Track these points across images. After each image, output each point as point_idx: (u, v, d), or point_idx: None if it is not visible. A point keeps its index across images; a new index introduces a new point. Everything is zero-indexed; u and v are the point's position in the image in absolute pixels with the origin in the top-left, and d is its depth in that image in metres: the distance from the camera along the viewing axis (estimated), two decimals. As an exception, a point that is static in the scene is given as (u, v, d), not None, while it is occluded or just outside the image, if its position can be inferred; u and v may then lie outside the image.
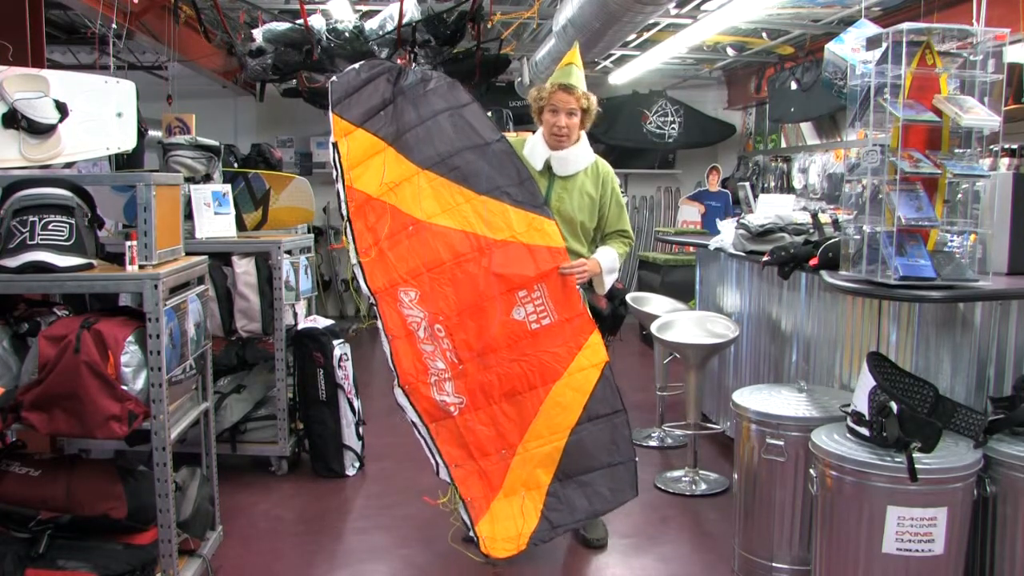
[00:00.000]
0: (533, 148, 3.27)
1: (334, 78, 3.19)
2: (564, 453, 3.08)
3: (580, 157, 3.28)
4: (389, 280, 3.12)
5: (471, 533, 3.10)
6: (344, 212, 3.14)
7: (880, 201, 2.67)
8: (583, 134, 3.31)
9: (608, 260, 3.27)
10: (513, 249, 3.08)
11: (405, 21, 5.39)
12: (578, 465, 3.10)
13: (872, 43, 2.79)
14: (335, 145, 3.13)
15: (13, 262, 2.62)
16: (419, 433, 3.13)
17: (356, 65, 3.22)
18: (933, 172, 2.60)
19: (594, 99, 3.27)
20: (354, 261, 3.13)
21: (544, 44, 6.45)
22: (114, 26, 4.51)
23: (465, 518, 3.11)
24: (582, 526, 3.35)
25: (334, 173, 3.15)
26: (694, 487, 3.99)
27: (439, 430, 3.12)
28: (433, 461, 3.13)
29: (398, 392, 3.11)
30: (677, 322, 4.17)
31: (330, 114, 3.13)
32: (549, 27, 6.11)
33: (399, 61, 5.87)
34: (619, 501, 3.16)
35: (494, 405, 3.11)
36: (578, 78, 3.21)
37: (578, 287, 3.12)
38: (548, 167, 3.25)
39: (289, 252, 4.19)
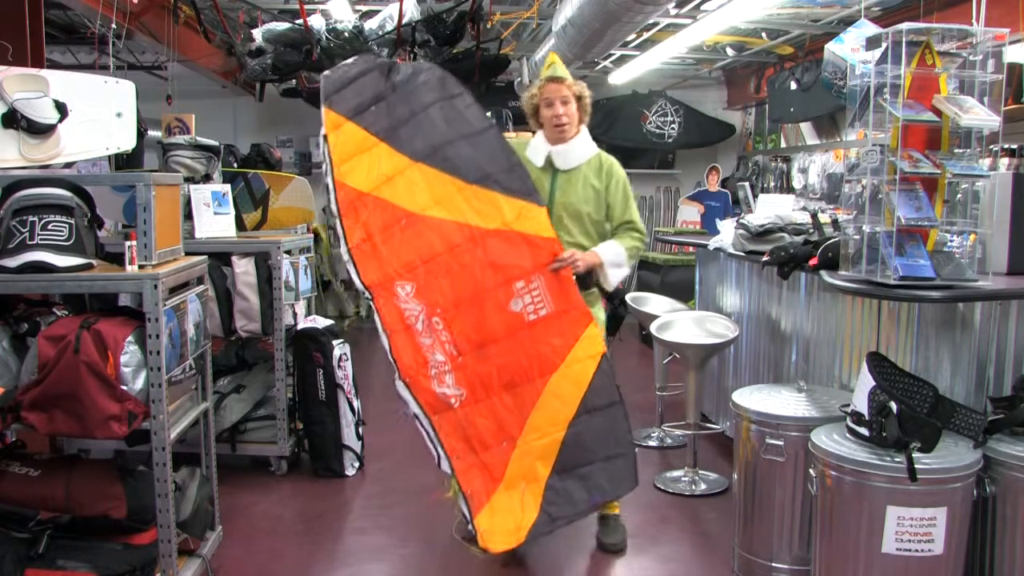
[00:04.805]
0: (534, 147, 3.30)
1: (327, 72, 3.20)
2: (563, 446, 3.08)
3: (581, 149, 3.29)
4: (384, 275, 3.12)
5: (470, 527, 3.11)
6: (334, 207, 3.15)
7: (880, 201, 2.67)
8: (584, 128, 3.32)
9: (611, 253, 3.21)
10: (507, 238, 3.08)
11: (405, 21, 5.40)
12: (577, 458, 3.09)
13: (872, 43, 2.79)
14: (325, 138, 3.15)
15: (13, 262, 2.61)
16: (421, 425, 3.12)
17: (349, 60, 3.25)
18: (933, 172, 2.60)
19: (584, 86, 3.29)
20: (346, 257, 3.14)
21: (544, 44, 6.45)
22: (114, 26, 4.50)
23: (464, 511, 3.11)
24: (599, 531, 3.37)
25: (324, 167, 3.17)
26: (694, 487, 3.99)
27: (441, 422, 3.11)
28: (435, 453, 3.11)
29: (400, 385, 3.10)
30: (677, 322, 4.17)
31: (322, 107, 3.15)
32: (549, 27, 6.10)
33: (398, 61, 5.89)
34: (618, 493, 3.16)
35: (494, 397, 3.10)
36: (563, 71, 3.26)
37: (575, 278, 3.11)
38: (550, 162, 3.26)
39: (289, 252, 4.19)
